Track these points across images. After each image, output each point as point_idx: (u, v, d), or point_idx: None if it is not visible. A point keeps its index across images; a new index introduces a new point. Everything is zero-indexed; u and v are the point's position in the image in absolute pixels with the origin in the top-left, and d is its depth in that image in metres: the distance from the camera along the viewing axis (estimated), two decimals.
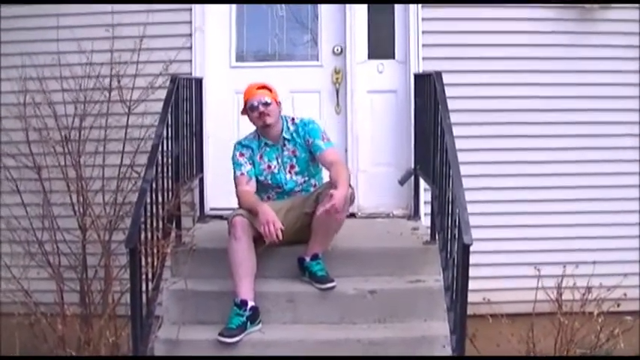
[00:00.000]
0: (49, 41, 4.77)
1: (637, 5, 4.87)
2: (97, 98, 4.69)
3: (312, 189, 4.12)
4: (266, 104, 4.02)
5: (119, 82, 4.63)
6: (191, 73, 4.87)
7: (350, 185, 3.94)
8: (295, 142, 4.10)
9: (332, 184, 3.84)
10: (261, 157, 4.12)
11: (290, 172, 4.12)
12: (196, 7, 4.91)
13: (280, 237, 3.76)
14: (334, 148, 4.13)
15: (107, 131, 4.73)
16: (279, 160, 4.12)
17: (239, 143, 4.16)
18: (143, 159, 4.47)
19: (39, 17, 4.85)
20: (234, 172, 4.09)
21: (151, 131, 4.61)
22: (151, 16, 4.76)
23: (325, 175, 4.11)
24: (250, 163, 4.09)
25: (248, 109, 4.06)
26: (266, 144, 4.12)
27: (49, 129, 4.68)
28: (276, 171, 4.12)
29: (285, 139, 4.10)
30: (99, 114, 4.72)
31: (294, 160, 4.11)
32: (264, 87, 4.07)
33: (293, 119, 4.14)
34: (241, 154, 4.10)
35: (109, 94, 4.66)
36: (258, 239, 3.84)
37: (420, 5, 4.86)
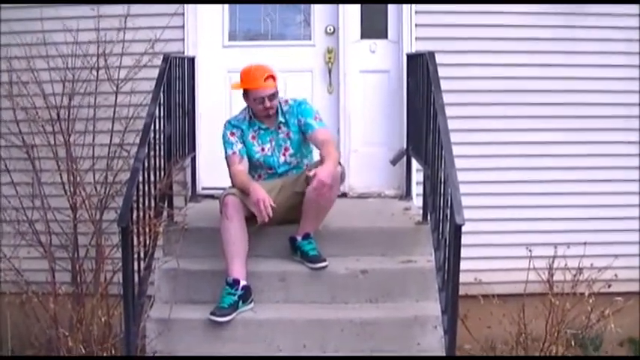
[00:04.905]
0: (33, 20, 4.70)
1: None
2: (84, 77, 4.65)
3: (303, 168, 4.10)
4: (272, 97, 3.98)
5: (106, 60, 4.58)
6: (183, 52, 4.82)
7: (340, 164, 3.93)
8: (289, 125, 4.07)
9: (320, 163, 3.83)
10: (254, 138, 4.09)
11: (284, 154, 4.09)
12: None
13: (271, 214, 3.75)
14: (326, 128, 4.10)
15: (96, 110, 4.69)
16: (273, 143, 4.09)
17: (229, 122, 4.13)
18: (132, 138, 4.46)
19: None
20: (226, 151, 4.07)
21: (139, 110, 4.59)
22: None
23: (316, 155, 4.10)
24: (241, 142, 4.06)
25: (252, 99, 3.99)
26: (260, 127, 4.09)
27: (37, 108, 4.63)
28: (269, 154, 4.09)
29: (280, 122, 4.07)
30: (86, 93, 4.67)
31: (288, 142, 4.08)
32: (270, 76, 3.97)
33: (286, 101, 4.10)
34: (232, 134, 4.08)
35: (97, 73, 4.61)
36: (250, 219, 3.83)
37: None
